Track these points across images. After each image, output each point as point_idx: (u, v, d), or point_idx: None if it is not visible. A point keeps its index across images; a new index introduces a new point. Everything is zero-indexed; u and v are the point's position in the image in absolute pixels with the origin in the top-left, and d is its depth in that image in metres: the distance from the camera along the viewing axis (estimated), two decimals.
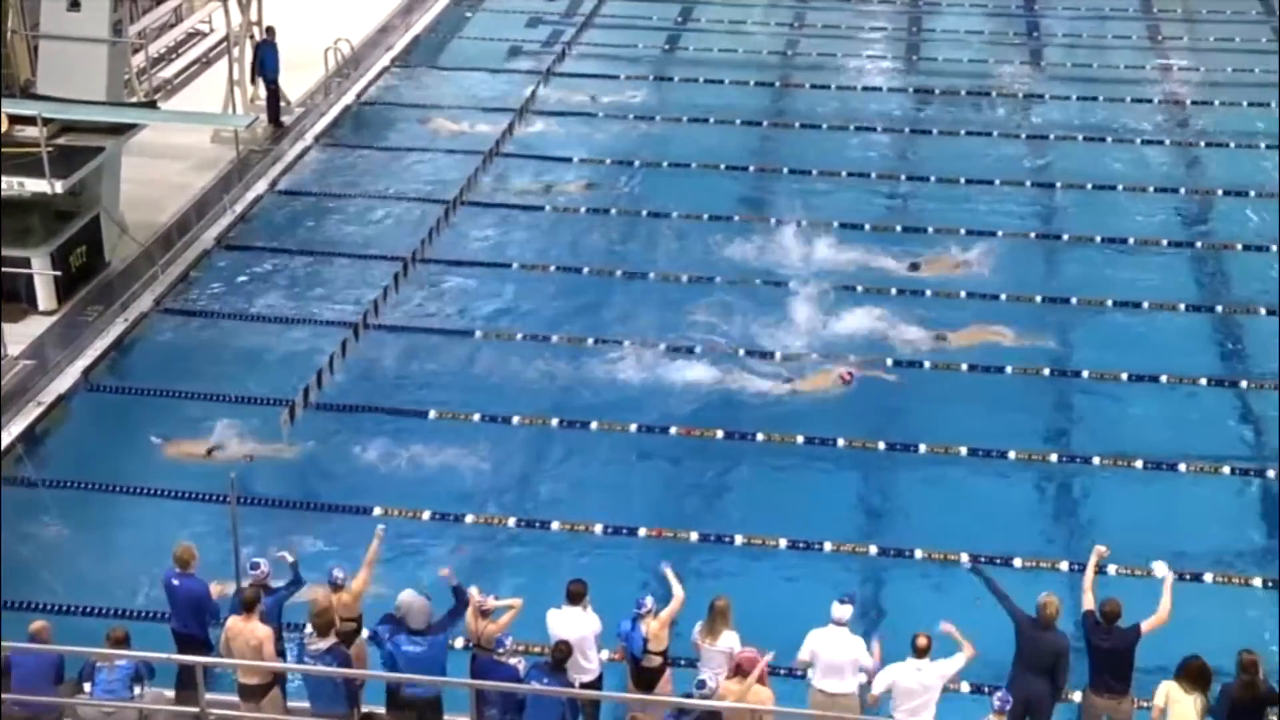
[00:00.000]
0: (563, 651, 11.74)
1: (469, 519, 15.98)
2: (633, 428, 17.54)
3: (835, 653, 12.05)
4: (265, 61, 25.32)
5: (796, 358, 18.93)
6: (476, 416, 17.78)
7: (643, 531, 15.76)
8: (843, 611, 12.13)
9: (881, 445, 17.20)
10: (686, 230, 22.52)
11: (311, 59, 27.50)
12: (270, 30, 25.50)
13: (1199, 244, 22.09)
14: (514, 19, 32.09)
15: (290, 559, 12.93)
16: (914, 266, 21.02)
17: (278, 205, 23.39)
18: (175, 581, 12.62)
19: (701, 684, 11.36)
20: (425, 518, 15.95)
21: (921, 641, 11.75)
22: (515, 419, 17.74)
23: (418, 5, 32.22)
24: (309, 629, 12.11)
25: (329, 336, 19.34)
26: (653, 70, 29.29)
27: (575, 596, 12.39)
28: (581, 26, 31.45)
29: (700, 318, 20.03)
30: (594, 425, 17.62)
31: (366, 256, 21.62)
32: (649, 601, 12.38)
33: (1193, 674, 11.53)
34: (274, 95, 25.64)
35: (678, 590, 12.52)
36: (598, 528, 15.79)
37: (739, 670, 11.62)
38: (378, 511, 15.87)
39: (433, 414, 17.83)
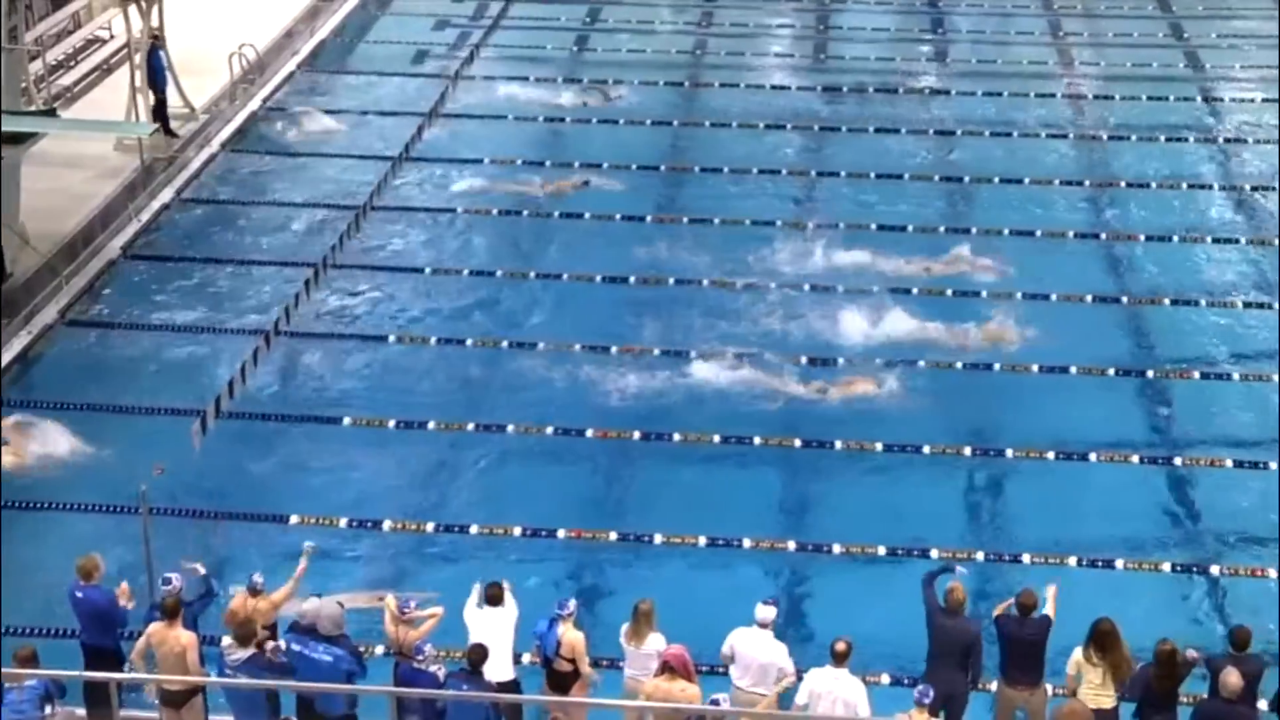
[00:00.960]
0: (479, 654, 11.66)
1: (386, 525, 15.84)
2: (549, 430, 17.49)
3: (757, 653, 12.05)
4: (154, 70, 24.73)
5: (713, 356, 18.96)
6: (392, 423, 17.64)
7: (562, 533, 15.71)
8: (766, 613, 12.09)
9: (798, 443, 17.28)
10: (599, 231, 22.50)
11: (215, 65, 27.15)
12: (156, 37, 24.79)
13: (1103, 235, 22.41)
14: (421, 22, 31.92)
15: (201, 571, 12.76)
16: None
17: (184, 214, 23.09)
18: (79, 594, 12.41)
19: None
20: (342, 524, 15.79)
21: (840, 646, 11.67)
22: (431, 424, 17.62)
23: (323, 9, 31.91)
24: (226, 640, 11.94)
25: (240, 345, 19.10)
26: (562, 72, 29.25)
27: (494, 599, 12.34)
28: (489, 29, 31.33)
29: (617, 317, 20.03)
30: (510, 428, 17.55)
31: (276, 264, 21.39)
32: (571, 604, 12.33)
33: (1100, 639, 11.71)
34: (161, 105, 25.01)
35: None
36: (516, 530, 15.72)
37: (667, 668, 11.61)
38: (294, 520, 15.71)
39: (347, 420, 17.67)
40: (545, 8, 32.67)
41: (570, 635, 12.20)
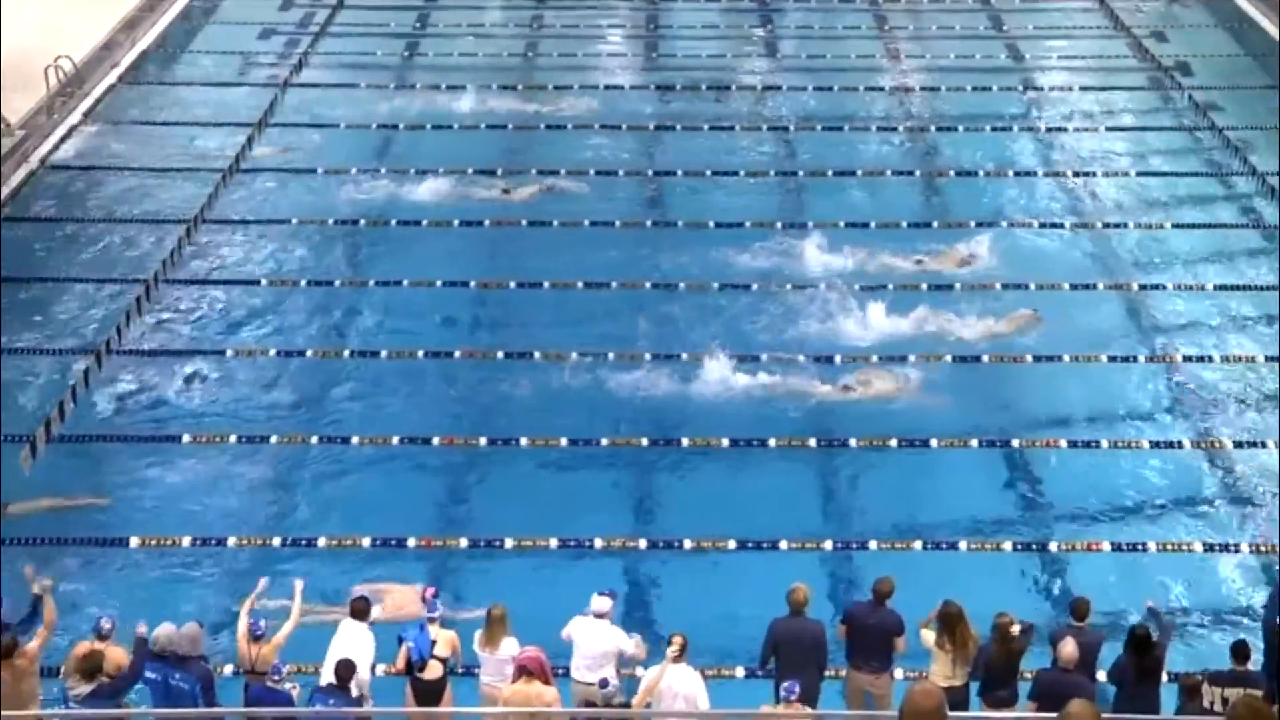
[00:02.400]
0: (347, 669, 11.49)
1: (231, 541, 15.53)
2: (395, 440, 17.30)
3: (593, 643, 12.15)
4: None
5: (556, 356, 18.93)
6: (233, 438, 17.31)
7: (412, 541, 15.55)
8: (601, 604, 12.24)
9: (644, 441, 17.33)
10: (437, 237, 22.32)
11: (32, 78, 26.33)
12: None
13: (935, 224, 22.85)
14: (246, 30, 31.30)
15: (37, 589, 12.38)
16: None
17: (9, 232, 22.34)
18: None
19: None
20: (185, 544, 15.44)
21: (678, 642, 11.81)
22: (273, 438, 17.32)
23: (142, 20, 31.11)
24: (67, 676, 11.59)
25: (70, 366, 18.57)
26: (394, 78, 28.96)
27: (359, 613, 12.18)
28: (317, 35, 30.87)
29: (457, 321, 19.91)
30: (355, 440, 17.33)
31: (106, 280, 20.82)
32: (440, 607, 12.34)
33: (947, 621, 11.95)
34: None
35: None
36: (365, 541, 15.52)
37: (524, 672, 11.57)
38: (135, 543, 15.34)
39: (186, 438, 17.28)
40: (374, 14, 32.30)
41: (445, 633, 12.18)
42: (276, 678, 11.46)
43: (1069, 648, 11.55)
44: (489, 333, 19.91)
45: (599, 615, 12.25)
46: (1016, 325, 19.47)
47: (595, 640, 12.21)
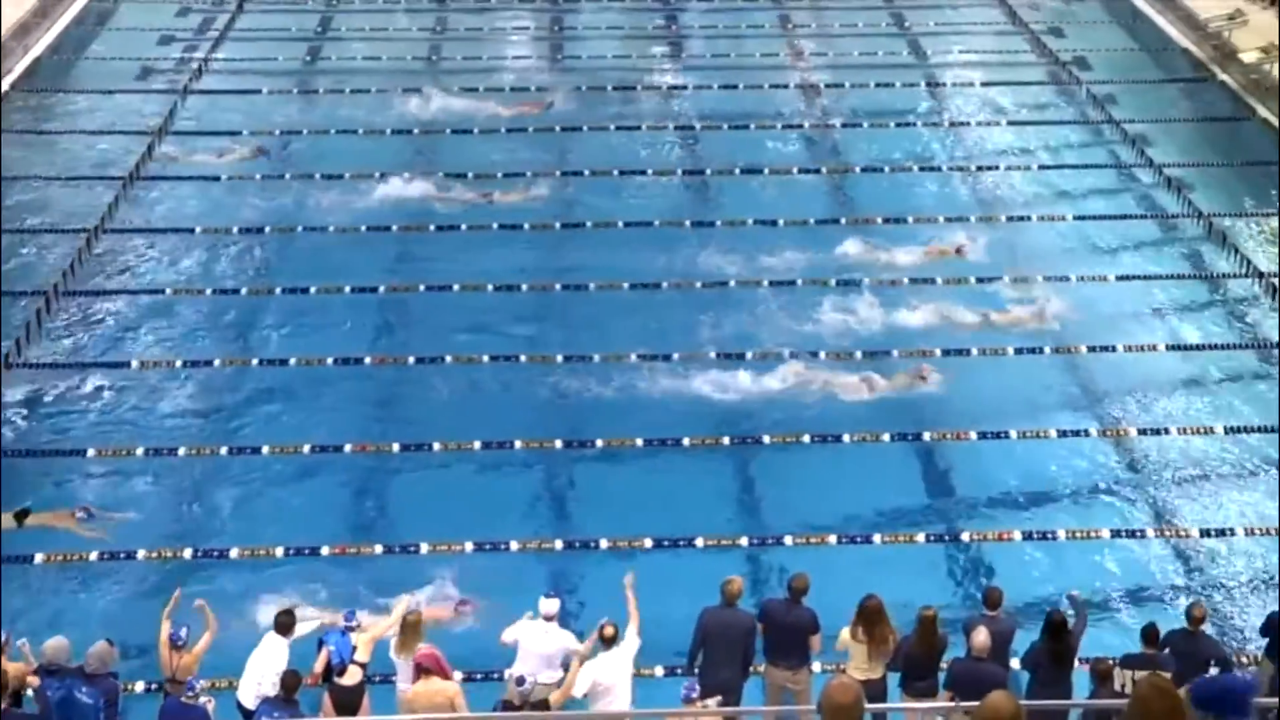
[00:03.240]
0: (295, 679, 11.43)
1: (140, 554, 15.28)
2: (306, 449, 17.13)
3: (540, 645, 12.16)
4: None
5: (468, 360, 18.83)
6: (140, 450, 17.05)
7: (325, 550, 15.40)
8: (549, 606, 12.26)
9: (559, 444, 17.29)
10: (345, 244, 22.12)
11: None
12: None
13: (843, 220, 23.01)
14: (144, 37, 30.79)
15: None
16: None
17: None
18: None
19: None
20: (92, 559, 15.17)
21: (609, 631, 11.91)
22: (181, 450, 17.09)
23: (35, 26, 30.49)
24: None
25: None
26: (297, 83, 28.68)
27: (283, 628, 12.05)
28: (217, 41, 30.48)
29: (363, 328, 19.80)
30: (265, 449, 17.15)
31: (4, 294, 20.40)
32: (360, 615, 12.33)
33: (866, 615, 12.03)
34: None
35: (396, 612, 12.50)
36: (279, 551, 15.35)
37: (421, 670, 11.56)
38: (39, 559, 15.05)
39: (91, 452, 16.99)
40: (275, 18, 31.97)
41: (365, 637, 12.15)
42: (191, 693, 11.29)
43: (981, 636, 11.68)
44: (399, 337, 19.76)
45: (548, 618, 12.22)
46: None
47: (544, 642, 12.17)
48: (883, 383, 18.38)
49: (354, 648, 12.01)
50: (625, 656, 12.01)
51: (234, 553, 15.36)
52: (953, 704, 11.52)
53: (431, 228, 22.49)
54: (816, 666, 12.75)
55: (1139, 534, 15.91)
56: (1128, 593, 15.05)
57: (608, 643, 11.90)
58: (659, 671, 13.35)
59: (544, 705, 11.52)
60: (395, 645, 12.15)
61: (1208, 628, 12.59)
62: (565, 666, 12.11)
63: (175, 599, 12.63)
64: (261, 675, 11.71)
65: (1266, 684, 12.46)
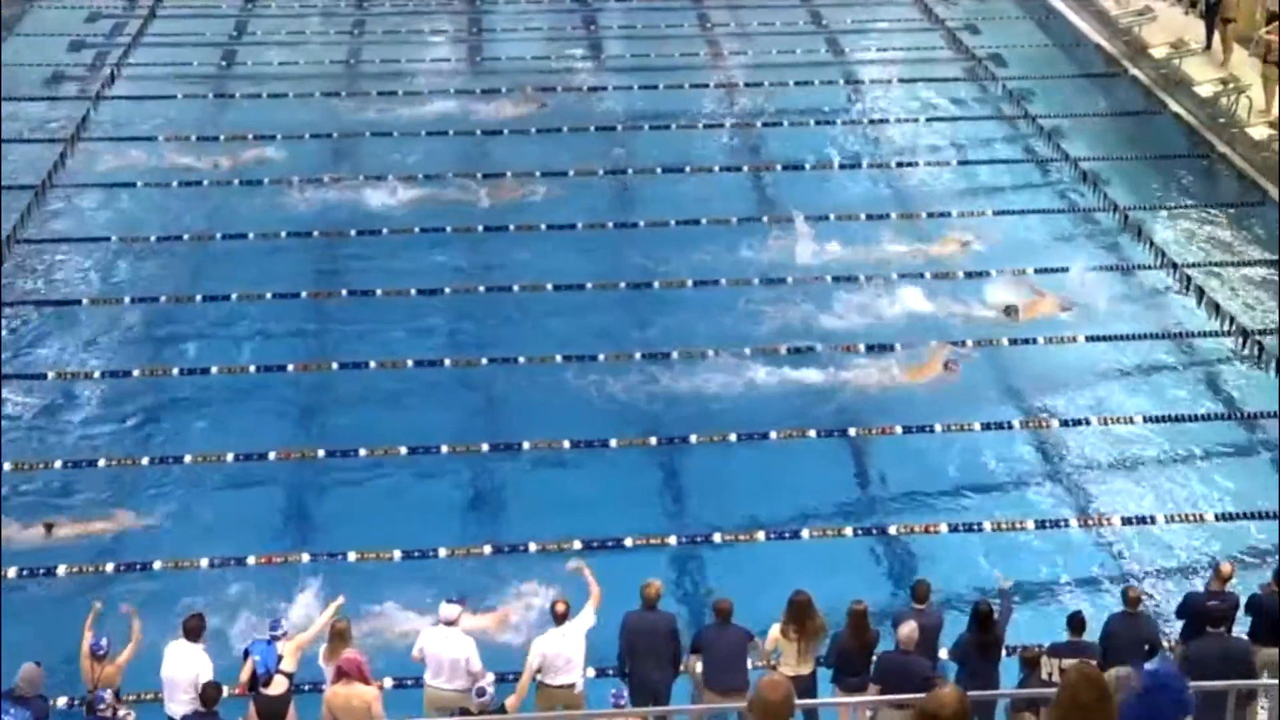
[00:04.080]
0: (215, 690, 11.31)
1: (61, 571, 15.04)
2: (230, 457, 16.93)
3: (445, 650, 12.09)
4: None
5: (392, 365, 18.71)
6: (58, 464, 16.79)
7: (251, 560, 15.23)
8: (450, 611, 12.18)
9: (485, 447, 17.22)
10: (269, 250, 21.88)
11: None
12: None
13: (765, 218, 23.10)
14: (54, 42, 30.31)
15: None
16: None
17: None
18: None
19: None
20: (10, 575, 14.90)
21: (560, 608, 12.08)
22: (101, 461, 16.85)
23: None
24: None
25: None
26: (212, 88, 28.36)
27: (192, 633, 11.90)
28: (129, 46, 30.06)
29: (295, 335, 19.67)
30: (188, 459, 16.94)
31: None
32: (285, 623, 12.24)
33: (795, 611, 12.07)
34: None
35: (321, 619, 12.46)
36: (204, 562, 15.17)
37: (342, 674, 11.50)
38: None
39: (8, 466, 16.68)
40: (189, 23, 31.57)
41: (291, 645, 12.05)
42: (102, 705, 11.13)
43: (907, 629, 11.77)
44: (322, 344, 19.59)
45: (449, 623, 12.15)
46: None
47: (447, 648, 12.10)
48: (903, 372, 18.47)
49: (280, 657, 11.89)
50: (576, 632, 12.09)
51: (157, 564, 15.17)
52: (882, 698, 11.59)
53: (353, 233, 22.32)
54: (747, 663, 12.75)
55: (1063, 524, 16.10)
56: (1054, 582, 15.22)
57: (559, 619, 12.03)
58: (590, 673, 13.30)
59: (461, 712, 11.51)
60: (324, 653, 12.05)
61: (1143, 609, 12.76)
62: (470, 673, 12.05)
63: (95, 610, 12.44)
64: (182, 685, 11.56)
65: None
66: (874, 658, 12.25)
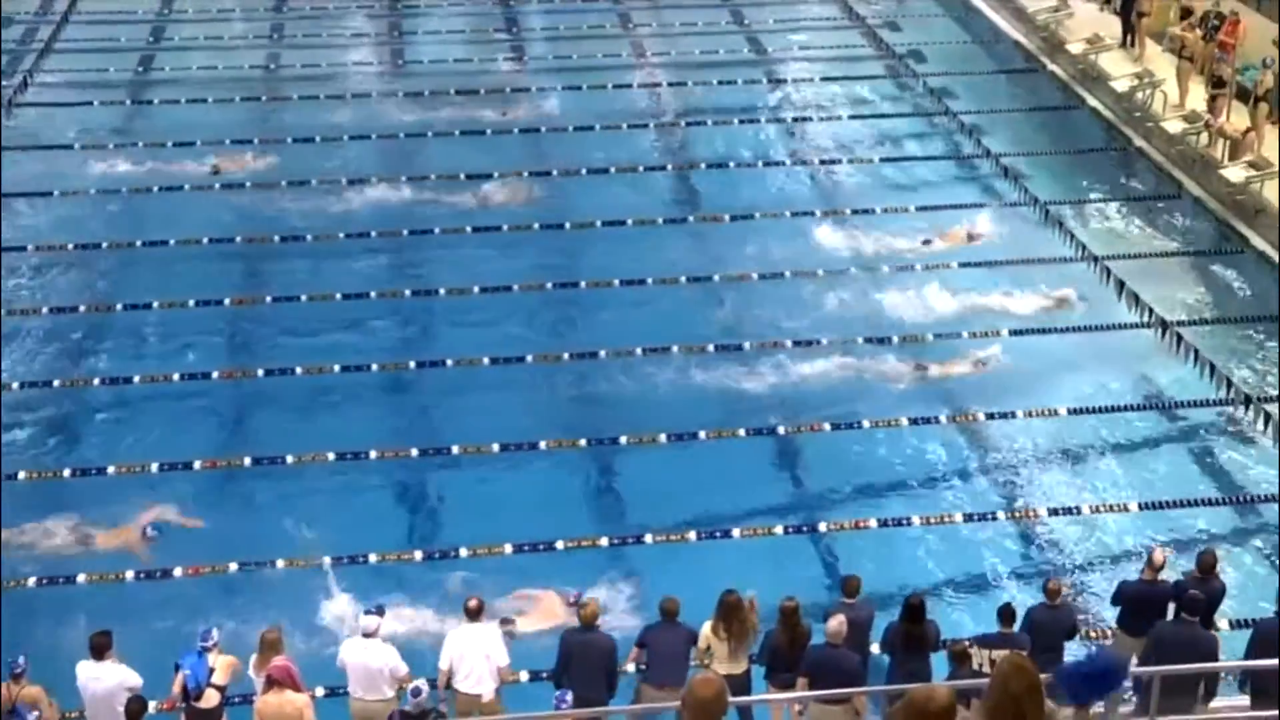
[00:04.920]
0: (138, 704, 11.16)
1: None
2: (155, 466, 16.71)
3: (366, 660, 12.00)
4: None
5: (319, 370, 18.56)
6: None
7: (179, 572, 15.03)
8: (369, 622, 12.10)
9: (414, 452, 17.13)
10: (183, 258, 21.58)
11: None
12: None
13: (690, 219, 23.13)
14: None
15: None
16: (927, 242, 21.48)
17: None
18: None
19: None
20: None
21: (472, 604, 12.11)
22: (21, 474, 16.56)
23: None
24: None
25: None
26: (129, 95, 27.99)
27: (99, 650, 11.70)
28: (42, 53, 29.56)
29: (208, 343, 19.47)
30: (111, 469, 16.69)
31: None
32: (215, 634, 12.06)
33: (726, 610, 12.09)
34: None
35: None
36: (129, 574, 14.97)
37: (273, 682, 11.41)
38: None
39: None
40: (103, 29, 31.09)
41: (224, 659, 11.92)
42: None
43: (834, 623, 11.83)
44: (246, 351, 19.39)
45: (368, 635, 12.06)
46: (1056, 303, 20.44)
47: (366, 658, 12.01)
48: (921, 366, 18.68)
49: (211, 669, 11.74)
50: (490, 636, 12.05)
51: (81, 577, 14.95)
52: (813, 693, 11.62)
53: (276, 239, 22.10)
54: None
55: (991, 516, 16.24)
56: (983, 574, 15.35)
57: (471, 615, 12.02)
58: (524, 676, 13.26)
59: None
60: (254, 663, 11.91)
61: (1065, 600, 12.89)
62: (396, 679, 11.98)
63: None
64: (102, 704, 11.40)
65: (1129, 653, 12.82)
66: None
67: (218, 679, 11.76)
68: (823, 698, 11.66)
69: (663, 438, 17.38)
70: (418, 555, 15.45)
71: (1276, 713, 11.03)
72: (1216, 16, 25.87)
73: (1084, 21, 29.97)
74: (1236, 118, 24.22)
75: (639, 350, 19.08)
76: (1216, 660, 11.99)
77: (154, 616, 14.10)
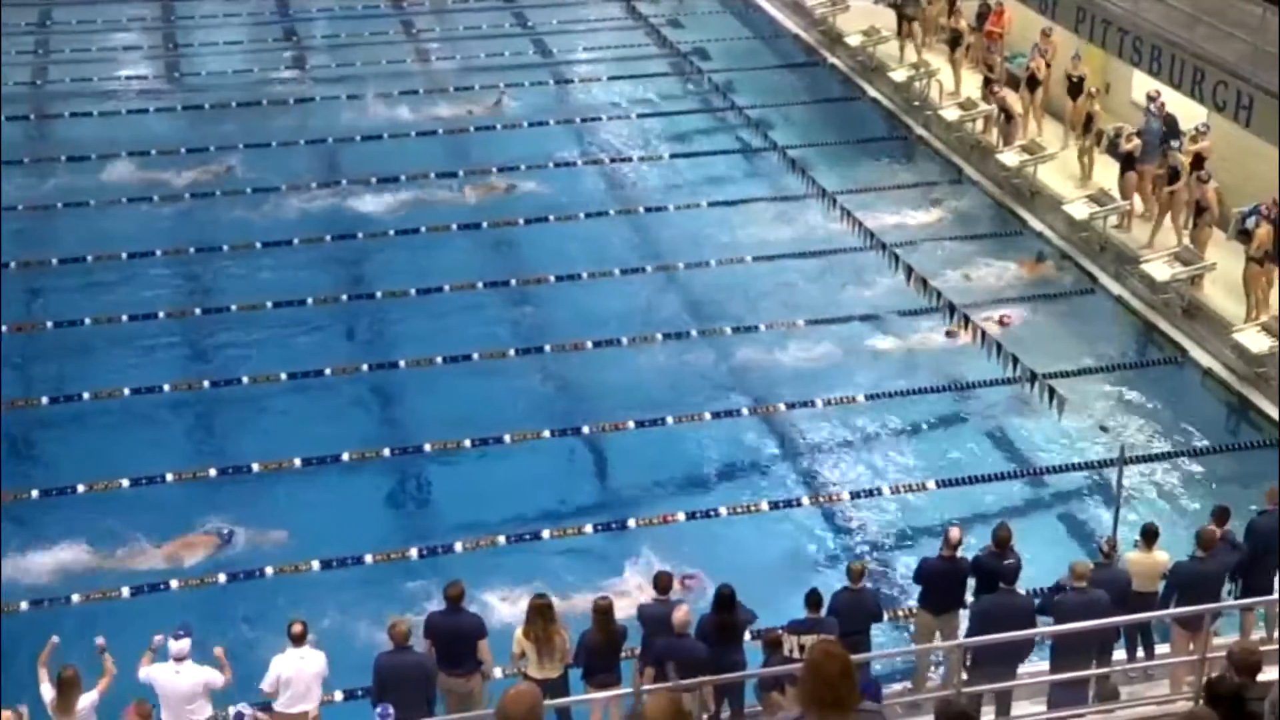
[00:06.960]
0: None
1: None
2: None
3: (176, 683, 11.69)
4: None
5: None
6: None
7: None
8: (180, 647, 11.74)
9: (213, 472, 16.74)
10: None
11: None
12: None
13: (484, 224, 22.95)
14: None
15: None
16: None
17: None
18: None
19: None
20: None
21: (296, 629, 11.84)
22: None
23: None
24: None
25: None
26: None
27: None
28: None
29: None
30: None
31: None
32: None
33: (534, 614, 12.04)
34: None
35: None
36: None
37: None
38: None
39: None
40: None
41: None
42: None
43: (680, 614, 11.87)
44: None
45: (179, 659, 11.71)
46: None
47: (179, 682, 11.68)
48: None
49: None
50: (315, 659, 11.85)
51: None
52: (654, 687, 11.54)
53: (54, 262, 21.32)
54: (498, 672, 12.63)
55: (796, 503, 16.50)
56: (789, 560, 15.58)
57: (296, 640, 11.77)
58: (338, 696, 13.02)
59: None
60: (51, 705, 11.44)
61: (868, 582, 13.11)
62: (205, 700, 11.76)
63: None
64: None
65: (923, 633, 13.13)
66: (624, 652, 12.29)
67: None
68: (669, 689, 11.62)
69: (467, 443, 17.26)
70: (222, 578, 15.09)
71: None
72: (983, 6, 26.75)
73: (860, 14, 30.63)
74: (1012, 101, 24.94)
75: (438, 357, 18.91)
76: (1034, 625, 12.35)
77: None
